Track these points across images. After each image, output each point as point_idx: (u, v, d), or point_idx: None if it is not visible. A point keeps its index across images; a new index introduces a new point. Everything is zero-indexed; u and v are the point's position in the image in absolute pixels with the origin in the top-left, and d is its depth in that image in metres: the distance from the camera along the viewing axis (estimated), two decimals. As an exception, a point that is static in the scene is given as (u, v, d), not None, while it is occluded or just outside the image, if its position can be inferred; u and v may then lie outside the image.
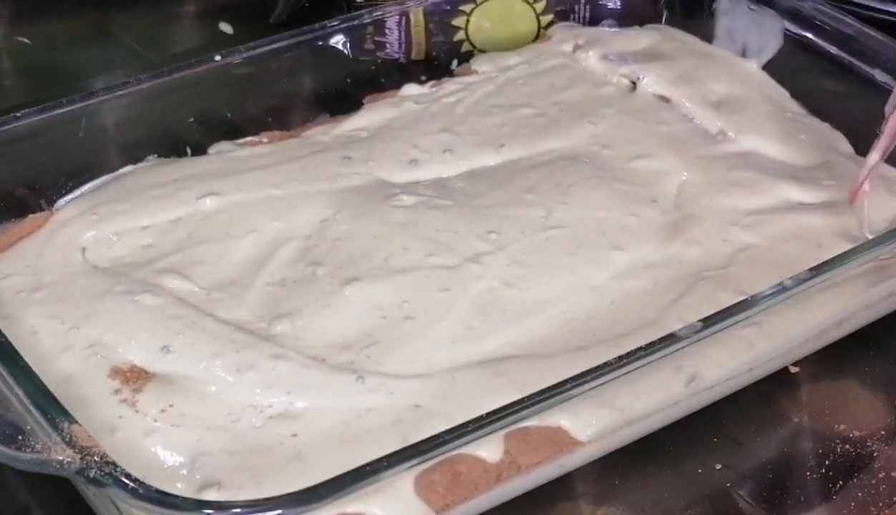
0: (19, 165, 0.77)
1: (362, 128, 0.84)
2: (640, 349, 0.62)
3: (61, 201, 0.77)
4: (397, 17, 0.91)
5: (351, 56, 0.89)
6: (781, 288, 0.66)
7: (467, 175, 0.80)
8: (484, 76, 0.89)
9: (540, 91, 0.87)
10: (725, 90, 0.86)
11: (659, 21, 0.96)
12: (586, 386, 0.60)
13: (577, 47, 0.92)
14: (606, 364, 0.61)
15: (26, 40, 1.02)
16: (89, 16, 1.04)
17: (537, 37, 0.96)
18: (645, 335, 0.65)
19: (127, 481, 0.54)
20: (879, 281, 0.72)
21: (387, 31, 0.91)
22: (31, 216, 0.76)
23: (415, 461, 0.57)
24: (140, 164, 0.80)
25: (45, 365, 0.63)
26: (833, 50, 0.87)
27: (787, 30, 0.89)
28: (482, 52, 0.94)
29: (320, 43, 0.87)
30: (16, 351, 0.60)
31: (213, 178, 0.77)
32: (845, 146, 0.83)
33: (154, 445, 0.61)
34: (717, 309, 0.65)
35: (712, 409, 0.69)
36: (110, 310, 0.68)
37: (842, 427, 0.70)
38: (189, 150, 0.82)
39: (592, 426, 0.63)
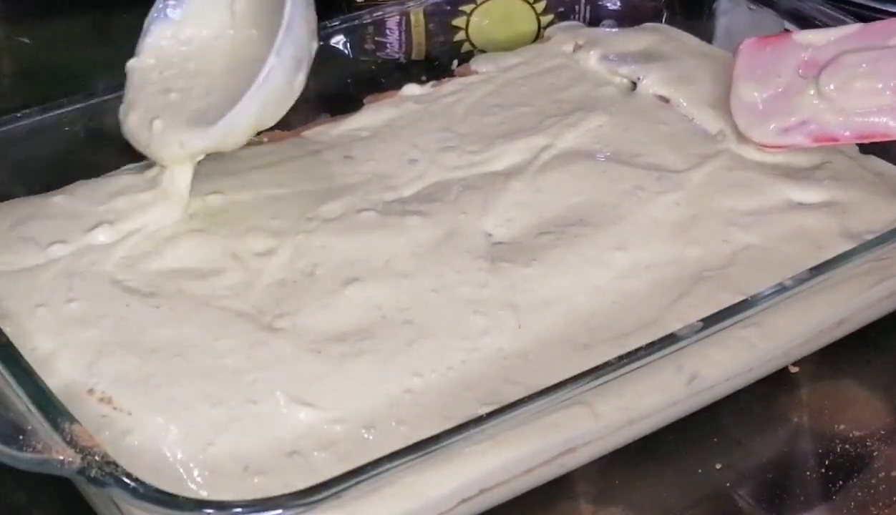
0: (19, 165, 0.77)
1: (363, 127, 0.84)
2: (640, 349, 0.62)
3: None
4: (397, 17, 0.91)
5: (351, 56, 0.89)
6: (781, 288, 0.66)
7: (468, 175, 0.80)
8: (484, 76, 0.89)
9: (540, 91, 0.87)
10: (725, 90, 0.86)
11: (659, 21, 0.96)
12: (586, 387, 0.60)
13: (577, 47, 0.92)
14: (607, 363, 0.61)
15: (26, 40, 1.02)
16: (89, 16, 1.04)
17: (537, 37, 0.96)
18: (645, 335, 0.65)
19: (127, 480, 0.54)
20: (879, 281, 0.72)
21: (387, 31, 0.91)
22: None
23: (415, 461, 0.57)
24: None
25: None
26: (833, 50, 0.87)
27: (786, 30, 0.89)
28: (482, 52, 0.94)
29: (321, 43, 0.87)
30: (17, 351, 0.61)
31: (217, 177, 0.77)
32: (846, 146, 0.83)
33: None
34: (718, 310, 0.65)
35: (712, 409, 0.69)
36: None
37: (842, 427, 0.70)
38: (189, 150, 0.82)
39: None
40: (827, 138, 0.76)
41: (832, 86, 0.76)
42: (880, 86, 0.74)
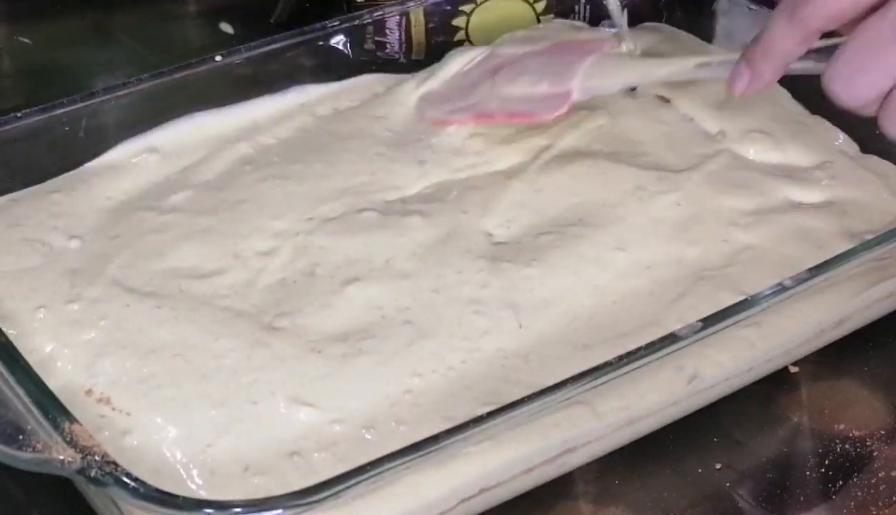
0: (19, 165, 0.77)
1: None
2: (640, 349, 0.62)
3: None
4: (397, 17, 0.91)
5: (351, 56, 0.89)
6: (781, 288, 0.66)
7: (469, 175, 0.80)
8: (484, 76, 0.90)
9: (540, 91, 0.87)
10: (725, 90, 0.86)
11: (659, 21, 0.96)
12: (586, 386, 0.60)
13: (577, 47, 0.92)
14: (607, 363, 0.61)
15: (26, 40, 1.02)
16: (89, 16, 1.04)
17: (537, 37, 0.96)
18: (645, 335, 0.65)
19: (127, 480, 0.54)
20: (879, 281, 0.72)
21: (387, 31, 0.91)
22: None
23: (415, 460, 0.57)
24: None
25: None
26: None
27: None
28: (482, 52, 0.94)
29: (320, 43, 0.87)
30: (16, 351, 0.60)
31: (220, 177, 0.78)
32: (847, 146, 0.83)
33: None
34: (717, 310, 0.65)
35: (712, 409, 0.69)
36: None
37: (841, 426, 0.70)
38: (189, 150, 0.82)
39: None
40: (484, 117, 0.81)
41: (503, 80, 0.81)
42: (539, 80, 0.80)
